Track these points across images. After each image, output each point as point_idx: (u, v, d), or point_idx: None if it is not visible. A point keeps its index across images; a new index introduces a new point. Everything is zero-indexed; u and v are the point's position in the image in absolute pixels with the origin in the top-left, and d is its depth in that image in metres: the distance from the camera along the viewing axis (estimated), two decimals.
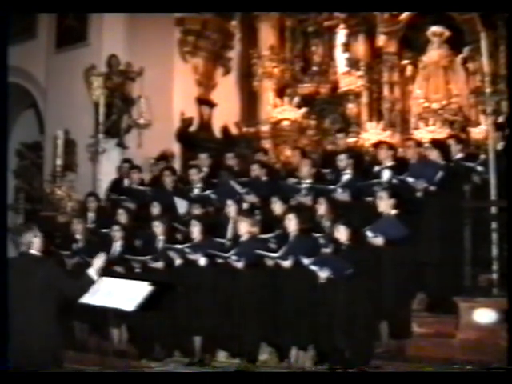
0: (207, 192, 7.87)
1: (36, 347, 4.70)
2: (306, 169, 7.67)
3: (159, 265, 6.92)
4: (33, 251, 4.89)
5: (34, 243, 4.91)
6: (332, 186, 7.07)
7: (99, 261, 5.12)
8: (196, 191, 8.13)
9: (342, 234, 6.05)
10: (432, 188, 6.68)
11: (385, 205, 6.33)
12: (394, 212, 6.29)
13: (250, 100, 12.38)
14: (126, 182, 9.03)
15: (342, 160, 7.55)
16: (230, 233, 7.01)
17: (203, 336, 6.60)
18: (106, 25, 10.56)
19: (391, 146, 7.67)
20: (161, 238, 7.08)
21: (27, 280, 4.77)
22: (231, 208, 7.07)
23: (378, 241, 6.11)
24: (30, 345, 4.69)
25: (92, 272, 5.04)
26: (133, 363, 6.63)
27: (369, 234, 6.12)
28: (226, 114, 12.31)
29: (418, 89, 11.17)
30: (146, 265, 6.98)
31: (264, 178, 7.96)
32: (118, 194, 8.85)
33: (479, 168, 6.88)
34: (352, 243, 6.03)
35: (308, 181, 7.49)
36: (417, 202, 6.74)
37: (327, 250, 6.17)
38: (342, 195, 7.03)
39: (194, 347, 6.65)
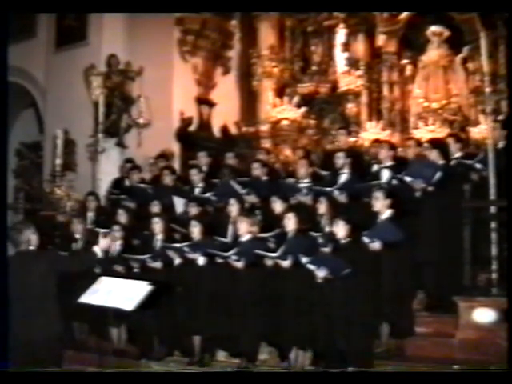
0: (208, 194, 7.87)
1: (37, 344, 4.73)
2: (303, 169, 7.67)
3: (158, 264, 6.93)
4: (32, 248, 4.95)
5: (33, 240, 4.98)
6: (329, 188, 7.06)
7: (105, 240, 5.30)
8: (197, 191, 8.11)
9: (340, 229, 6.04)
10: (430, 188, 6.67)
11: (380, 205, 6.32)
12: (389, 212, 6.27)
13: (249, 99, 12.38)
14: (127, 182, 9.04)
15: (340, 158, 7.56)
16: (230, 232, 7.01)
17: (203, 336, 6.60)
18: (105, 24, 10.57)
19: (392, 146, 7.66)
20: (159, 237, 7.07)
21: (28, 276, 4.81)
22: (233, 207, 7.05)
23: (376, 246, 6.10)
24: (31, 342, 4.72)
25: (97, 249, 5.20)
26: (132, 363, 6.63)
27: (365, 239, 6.12)
28: (225, 113, 12.30)
29: (417, 88, 11.18)
30: (144, 264, 6.99)
31: (264, 178, 7.95)
32: (119, 193, 8.86)
33: (477, 165, 6.88)
34: (351, 241, 6.03)
35: (306, 181, 7.49)
36: (415, 202, 6.73)
37: (326, 249, 6.17)
38: (339, 197, 7.02)
39: (194, 347, 6.65)
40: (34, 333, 4.75)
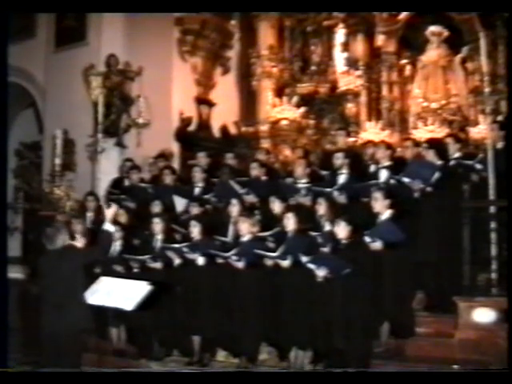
0: (207, 196, 7.87)
1: (66, 336, 4.96)
2: (300, 169, 7.67)
3: (158, 265, 6.92)
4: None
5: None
6: (328, 189, 7.06)
7: (110, 211, 5.49)
8: (197, 190, 8.11)
9: (342, 230, 6.03)
10: (429, 189, 6.67)
11: (380, 205, 6.31)
12: (389, 212, 6.27)
13: (248, 99, 12.38)
14: (127, 182, 9.03)
15: (339, 158, 7.56)
16: (230, 232, 7.00)
17: (202, 335, 6.60)
18: (105, 24, 10.55)
19: (388, 146, 7.67)
20: (159, 237, 7.07)
21: (60, 272, 5.05)
22: (234, 208, 7.04)
23: (377, 245, 6.10)
24: (61, 334, 4.95)
25: (107, 226, 5.37)
26: (132, 363, 6.63)
27: (367, 239, 6.12)
28: (224, 113, 12.31)
29: (416, 88, 11.18)
30: (144, 264, 6.99)
31: (263, 178, 7.95)
32: (119, 192, 8.86)
33: (478, 166, 6.88)
34: (351, 242, 6.03)
35: (303, 181, 7.49)
36: (413, 203, 6.73)
37: (325, 249, 6.17)
38: (338, 198, 7.02)
39: (194, 347, 6.65)
40: (66, 324, 4.94)
